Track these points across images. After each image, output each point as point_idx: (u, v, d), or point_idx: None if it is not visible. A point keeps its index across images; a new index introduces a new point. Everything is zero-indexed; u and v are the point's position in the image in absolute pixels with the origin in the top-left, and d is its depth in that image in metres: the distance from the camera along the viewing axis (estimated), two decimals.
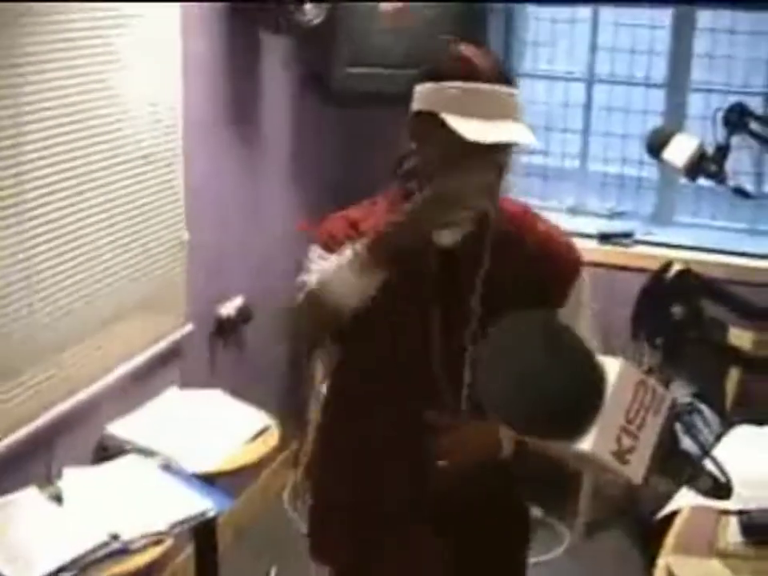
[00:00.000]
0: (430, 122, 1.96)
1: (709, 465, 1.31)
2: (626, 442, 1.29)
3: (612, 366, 1.28)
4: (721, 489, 1.30)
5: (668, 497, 3.61)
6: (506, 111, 1.96)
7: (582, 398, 1.24)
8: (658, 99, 4.31)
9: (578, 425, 1.24)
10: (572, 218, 4.44)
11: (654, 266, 4.06)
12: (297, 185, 4.18)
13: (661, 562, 2.13)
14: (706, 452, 1.29)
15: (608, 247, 4.22)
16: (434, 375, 2.02)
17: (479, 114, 1.92)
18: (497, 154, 1.95)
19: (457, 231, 2.01)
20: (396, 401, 2.07)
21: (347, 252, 1.96)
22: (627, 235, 4.24)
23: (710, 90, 4.29)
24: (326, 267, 1.98)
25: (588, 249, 4.18)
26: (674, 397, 1.29)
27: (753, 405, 3.69)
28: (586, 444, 1.26)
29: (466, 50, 2.00)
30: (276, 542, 3.86)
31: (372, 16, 3.65)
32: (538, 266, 2.02)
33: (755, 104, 3.32)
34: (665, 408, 1.31)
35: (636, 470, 1.30)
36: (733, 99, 4.08)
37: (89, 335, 2.95)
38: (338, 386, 2.31)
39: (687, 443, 1.27)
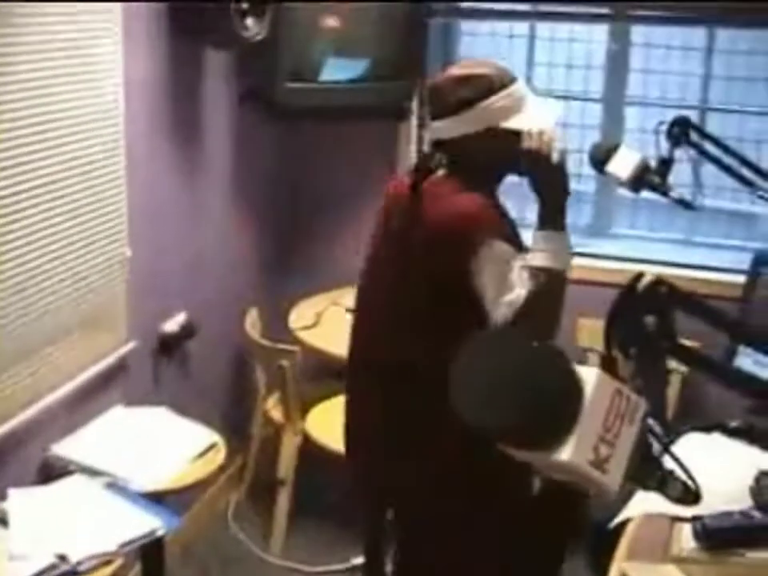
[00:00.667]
0: (486, 134, 2.34)
1: (678, 471, 1.34)
2: (604, 450, 1.30)
3: (588, 376, 1.30)
4: (690, 494, 1.33)
5: (618, 507, 3.66)
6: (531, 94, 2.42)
7: (559, 407, 1.25)
8: (595, 113, 4.38)
9: (556, 435, 1.25)
10: None
11: (595, 277, 4.18)
12: (239, 200, 4.17)
13: (614, 569, 2.14)
14: (675, 459, 1.32)
15: None
16: None
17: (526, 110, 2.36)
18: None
19: None
20: None
21: (544, 236, 2.29)
22: None
23: (645, 104, 4.37)
24: (545, 249, 2.29)
25: None
26: (646, 406, 1.31)
27: (694, 413, 3.76)
28: (564, 454, 1.28)
29: (478, 65, 2.42)
30: (223, 559, 3.84)
31: (313, 31, 3.65)
32: None
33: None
34: (639, 416, 1.33)
35: (613, 478, 1.31)
36: (669, 113, 4.19)
37: (31, 354, 2.91)
38: None
39: (657, 450, 1.30)
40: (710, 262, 4.12)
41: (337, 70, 3.69)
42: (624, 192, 4.39)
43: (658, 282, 1.38)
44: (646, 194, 4.25)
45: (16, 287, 2.78)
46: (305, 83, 3.71)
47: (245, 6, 3.24)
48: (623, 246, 4.40)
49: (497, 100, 2.33)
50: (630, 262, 4.25)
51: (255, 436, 4.17)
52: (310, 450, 3.86)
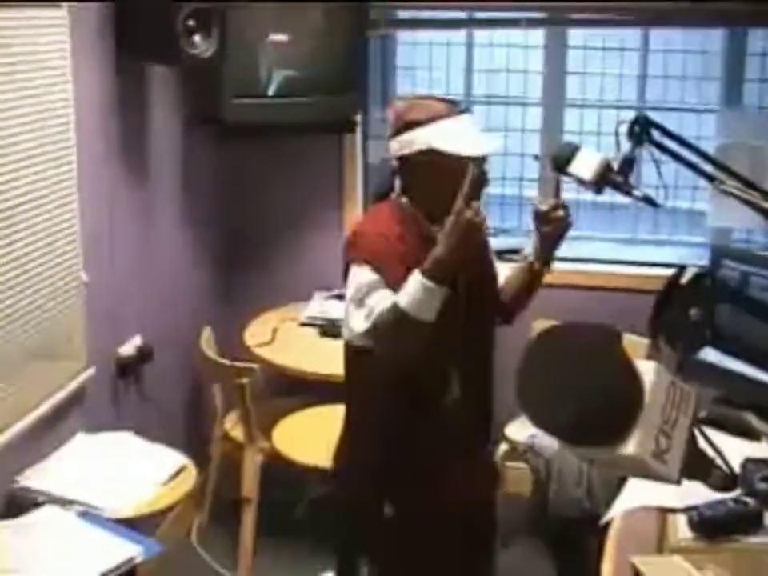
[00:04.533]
0: (427, 156, 2.58)
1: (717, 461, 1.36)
2: (663, 442, 1.32)
3: (645, 369, 1.32)
4: (728, 482, 1.35)
5: (577, 503, 3.70)
6: (476, 128, 2.67)
7: (622, 402, 1.27)
8: (535, 117, 4.43)
9: (620, 429, 1.26)
10: None
11: (546, 280, 4.22)
12: (191, 219, 4.14)
13: (607, 563, 2.16)
14: (715, 449, 1.34)
15: (500, 264, 4.29)
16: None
17: (464, 139, 2.59)
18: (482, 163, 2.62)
19: None
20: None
21: (415, 278, 2.44)
22: (516, 251, 4.32)
23: (584, 106, 4.43)
24: (409, 292, 2.46)
25: None
26: (697, 395, 1.33)
27: None
28: (630, 447, 1.29)
29: (433, 97, 2.75)
30: None
31: (258, 47, 3.64)
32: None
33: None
34: (691, 407, 1.36)
35: (672, 469, 1.33)
36: (607, 114, 4.27)
37: None
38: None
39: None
40: (657, 258, 4.19)
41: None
42: (567, 195, 4.49)
43: (702, 275, 1.40)
44: (586, 195, 4.35)
45: None
46: (251, 99, 3.69)
47: (192, 22, 3.21)
48: (571, 246, 4.45)
49: (440, 125, 2.59)
50: (577, 262, 4.32)
51: (215, 456, 4.13)
52: (272, 467, 3.84)
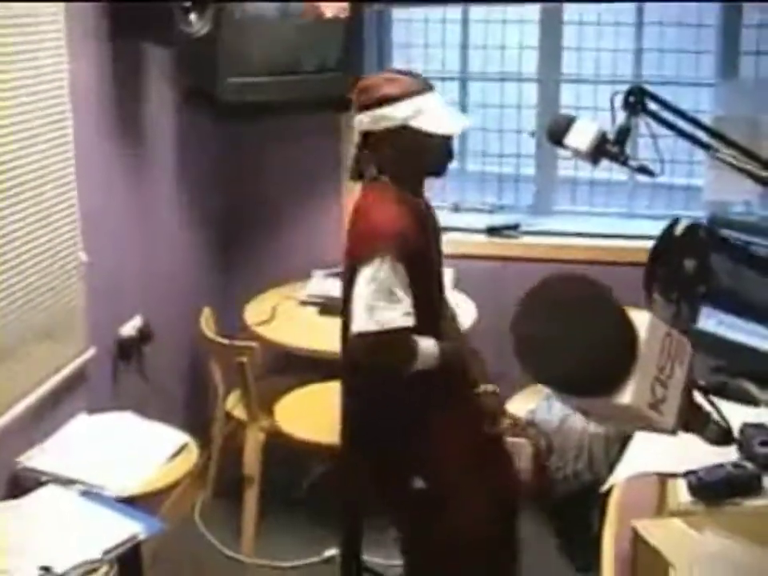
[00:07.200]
0: (400, 133, 2.70)
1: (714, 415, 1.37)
2: (660, 392, 1.33)
3: (640, 320, 1.33)
4: (725, 436, 1.36)
5: (578, 475, 3.73)
6: (445, 105, 2.81)
7: (617, 352, 1.27)
8: (531, 94, 4.43)
9: (616, 379, 1.27)
10: (456, 214, 4.52)
11: (544, 254, 4.24)
12: (189, 199, 4.15)
13: (608, 529, 2.17)
14: (711, 402, 1.35)
15: (496, 240, 4.31)
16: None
17: (438, 117, 2.72)
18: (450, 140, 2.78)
19: None
20: None
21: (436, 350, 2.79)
22: (514, 227, 4.34)
23: (580, 82, 4.42)
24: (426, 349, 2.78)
25: (478, 242, 4.30)
26: (692, 347, 1.34)
27: None
28: (626, 397, 1.30)
29: (402, 72, 2.85)
30: (194, 561, 3.81)
31: (254, 25, 3.63)
32: None
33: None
34: (687, 358, 1.37)
35: (668, 419, 1.34)
36: (603, 89, 4.25)
37: None
38: None
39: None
40: (654, 232, 4.18)
41: None
42: (565, 171, 4.50)
43: (695, 225, 1.40)
44: (584, 172, 4.35)
45: None
46: (246, 78, 3.68)
47: (187, 3, 3.21)
48: (568, 222, 4.46)
49: (414, 102, 2.69)
50: (577, 236, 4.33)
51: (216, 435, 4.14)
52: (274, 446, 3.86)
